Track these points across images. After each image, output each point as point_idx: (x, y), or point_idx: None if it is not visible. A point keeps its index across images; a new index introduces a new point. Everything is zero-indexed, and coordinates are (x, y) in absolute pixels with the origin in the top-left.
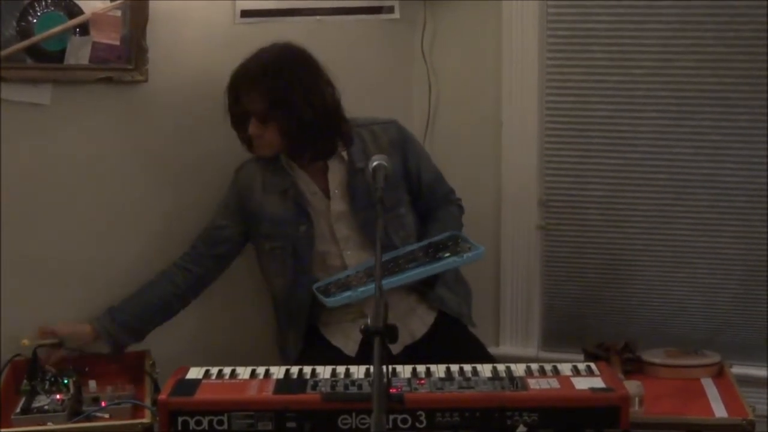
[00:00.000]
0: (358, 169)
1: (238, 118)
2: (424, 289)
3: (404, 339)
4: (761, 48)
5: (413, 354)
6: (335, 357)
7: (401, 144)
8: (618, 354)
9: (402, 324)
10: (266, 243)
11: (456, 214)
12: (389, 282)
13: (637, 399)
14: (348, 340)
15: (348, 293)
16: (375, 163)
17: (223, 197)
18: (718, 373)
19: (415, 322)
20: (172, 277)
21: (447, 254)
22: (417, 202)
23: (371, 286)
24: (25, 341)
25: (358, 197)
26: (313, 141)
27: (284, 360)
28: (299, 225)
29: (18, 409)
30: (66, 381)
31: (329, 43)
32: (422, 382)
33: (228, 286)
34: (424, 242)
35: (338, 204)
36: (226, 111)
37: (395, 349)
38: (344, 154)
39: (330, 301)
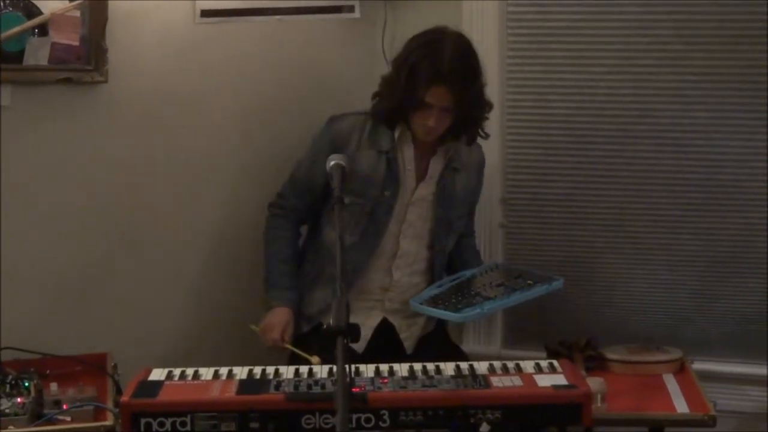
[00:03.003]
0: (453, 168)
1: (412, 104)
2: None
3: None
4: (719, 46)
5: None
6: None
7: (481, 168)
8: (580, 351)
9: (412, 321)
10: (348, 197)
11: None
12: (496, 305)
13: (599, 395)
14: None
15: (478, 309)
16: (332, 163)
17: (311, 149)
18: (680, 369)
19: (418, 324)
20: (282, 238)
21: (529, 282)
22: None
23: (501, 302)
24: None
25: (444, 191)
26: (470, 128)
27: (301, 318)
28: (385, 189)
29: None
30: (27, 384)
31: (290, 43)
32: (385, 381)
33: (192, 286)
34: (488, 264)
35: (424, 188)
36: (395, 86)
37: (409, 348)
38: (453, 147)
39: (466, 316)
